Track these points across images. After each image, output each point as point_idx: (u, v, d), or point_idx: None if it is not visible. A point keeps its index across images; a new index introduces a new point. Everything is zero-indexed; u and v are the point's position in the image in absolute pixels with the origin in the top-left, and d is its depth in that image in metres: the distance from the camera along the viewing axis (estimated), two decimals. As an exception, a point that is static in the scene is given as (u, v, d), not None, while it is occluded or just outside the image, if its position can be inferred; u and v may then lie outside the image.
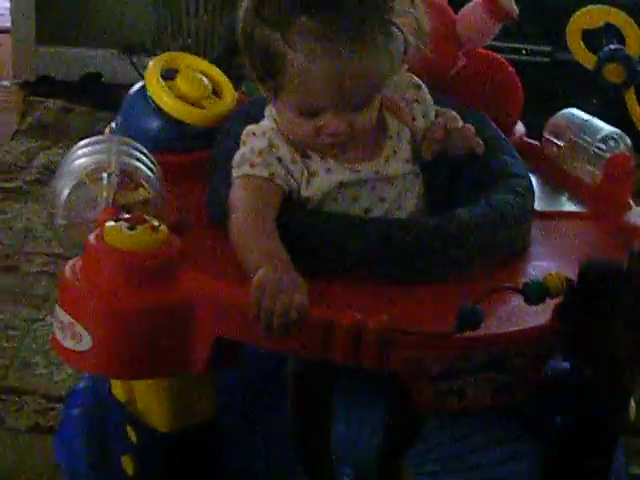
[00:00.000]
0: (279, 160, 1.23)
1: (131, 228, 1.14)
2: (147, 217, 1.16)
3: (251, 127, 1.28)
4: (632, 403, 1.59)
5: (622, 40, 1.30)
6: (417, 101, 1.33)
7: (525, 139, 1.64)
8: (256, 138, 1.25)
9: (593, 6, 1.26)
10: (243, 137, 1.27)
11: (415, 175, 1.31)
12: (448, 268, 1.20)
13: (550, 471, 1.50)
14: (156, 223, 1.15)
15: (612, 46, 1.26)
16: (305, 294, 1.07)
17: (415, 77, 1.34)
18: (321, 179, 1.24)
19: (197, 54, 3.27)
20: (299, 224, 1.20)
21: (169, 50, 3.12)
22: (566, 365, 1.47)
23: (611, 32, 1.25)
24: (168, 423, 1.25)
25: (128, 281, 1.11)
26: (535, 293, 1.05)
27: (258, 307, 1.06)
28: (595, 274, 1.07)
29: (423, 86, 1.34)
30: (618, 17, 1.24)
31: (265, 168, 1.22)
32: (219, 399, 1.28)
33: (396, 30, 1.21)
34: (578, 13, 1.26)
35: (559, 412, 1.48)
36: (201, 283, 1.13)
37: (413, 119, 1.31)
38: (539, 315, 1.10)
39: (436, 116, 1.33)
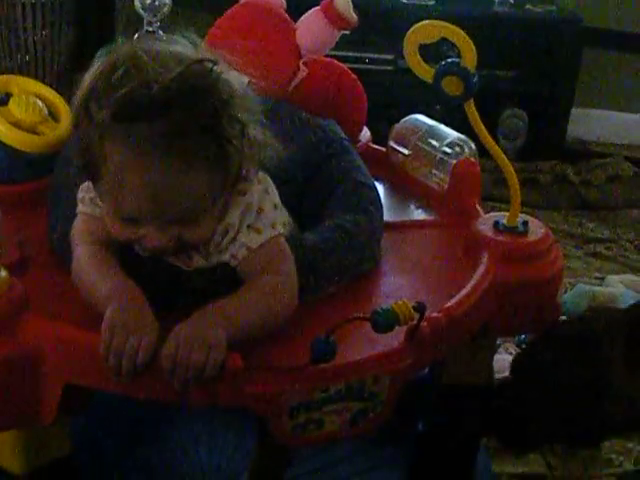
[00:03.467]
0: None
1: (-32, 276, 1.08)
2: (-16, 262, 1.11)
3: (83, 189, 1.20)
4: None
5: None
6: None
7: (371, 145, 1.64)
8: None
9: (428, 21, 1.25)
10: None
11: None
12: (299, 295, 1.18)
13: (416, 475, 1.52)
14: (-6, 268, 1.10)
15: (449, 60, 1.26)
16: (155, 334, 1.03)
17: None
18: None
19: (36, 71, 3.14)
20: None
21: (7, 68, 3.00)
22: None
23: (448, 45, 1.25)
24: (20, 465, 1.20)
25: (-32, 333, 1.06)
26: (384, 322, 1.04)
27: (107, 349, 1.03)
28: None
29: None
30: (452, 32, 1.23)
31: None
32: (74, 437, 1.24)
33: (230, 147, 1.10)
34: (413, 28, 1.25)
35: (420, 418, 1.51)
36: (46, 329, 1.08)
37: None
38: (392, 339, 1.09)
39: None
